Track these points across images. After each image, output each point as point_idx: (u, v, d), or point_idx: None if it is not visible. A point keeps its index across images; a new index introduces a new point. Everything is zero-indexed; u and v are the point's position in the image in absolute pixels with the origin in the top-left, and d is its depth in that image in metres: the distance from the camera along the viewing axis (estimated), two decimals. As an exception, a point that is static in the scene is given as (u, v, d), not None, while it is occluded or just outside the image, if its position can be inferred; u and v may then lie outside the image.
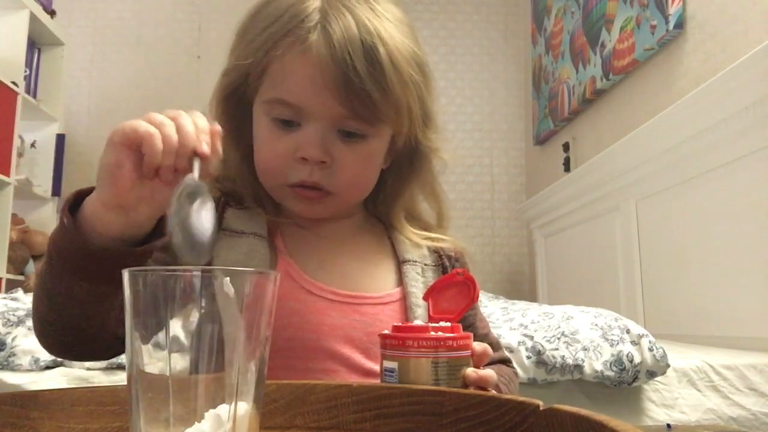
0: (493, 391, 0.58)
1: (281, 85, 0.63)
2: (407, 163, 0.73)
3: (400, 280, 0.72)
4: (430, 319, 0.59)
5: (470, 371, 0.55)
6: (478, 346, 0.58)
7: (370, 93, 0.61)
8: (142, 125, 0.46)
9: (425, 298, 0.61)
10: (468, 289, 0.61)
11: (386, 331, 0.57)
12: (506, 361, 0.77)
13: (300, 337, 0.65)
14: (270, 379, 0.63)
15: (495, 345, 0.77)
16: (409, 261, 0.73)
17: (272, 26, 0.62)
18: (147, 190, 0.49)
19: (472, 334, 0.58)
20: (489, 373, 0.56)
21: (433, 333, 0.55)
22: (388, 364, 0.55)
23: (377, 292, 0.70)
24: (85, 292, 0.51)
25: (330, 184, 0.65)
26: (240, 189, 0.71)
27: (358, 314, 0.67)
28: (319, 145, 0.63)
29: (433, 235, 0.76)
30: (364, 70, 0.60)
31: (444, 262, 0.76)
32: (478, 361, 0.58)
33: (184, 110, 0.50)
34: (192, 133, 0.47)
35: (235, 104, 0.68)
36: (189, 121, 0.48)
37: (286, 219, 0.71)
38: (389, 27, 0.63)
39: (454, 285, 0.61)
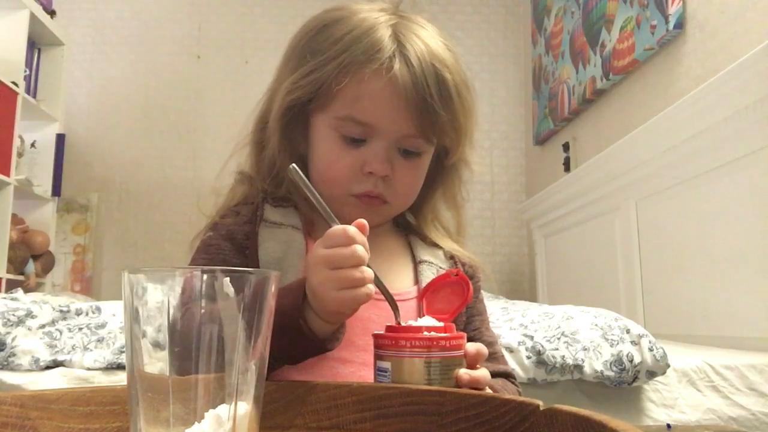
0: (489, 390, 0.59)
1: (356, 105, 0.68)
2: (438, 173, 0.78)
3: (417, 279, 0.75)
4: None
5: (462, 372, 0.55)
6: (472, 347, 0.58)
7: (439, 116, 0.67)
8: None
9: (419, 298, 0.61)
10: (462, 290, 0.61)
11: (380, 332, 0.57)
12: (509, 376, 0.77)
13: None
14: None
15: (500, 359, 0.78)
16: (426, 261, 0.77)
17: (349, 51, 0.67)
18: None
19: (465, 334, 0.58)
20: (482, 373, 0.57)
21: (426, 333, 0.55)
22: (381, 363, 0.55)
23: (396, 290, 0.71)
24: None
25: (389, 195, 0.71)
26: (277, 190, 0.76)
27: (377, 309, 0.69)
28: (386, 161, 0.69)
29: (453, 244, 0.81)
30: (437, 96, 0.67)
31: (459, 269, 0.78)
32: (472, 361, 0.58)
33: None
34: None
35: (291, 116, 0.72)
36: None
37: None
38: (447, 54, 0.70)
39: (448, 285, 0.61)
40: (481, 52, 3.59)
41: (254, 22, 3.58)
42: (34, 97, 2.97)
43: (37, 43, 3.05)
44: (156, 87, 3.52)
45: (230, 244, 0.71)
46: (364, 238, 0.56)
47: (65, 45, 3.17)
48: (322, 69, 0.68)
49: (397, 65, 0.66)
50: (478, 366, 0.58)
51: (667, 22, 1.88)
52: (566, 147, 2.78)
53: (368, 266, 0.56)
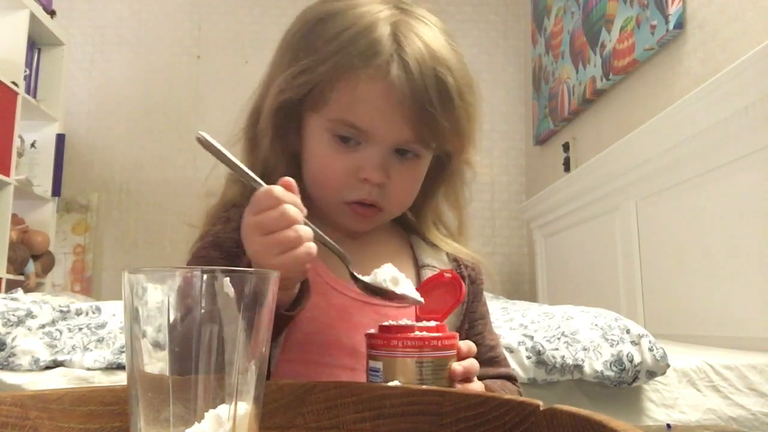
0: (480, 384, 0.59)
1: (352, 108, 0.63)
2: (439, 173, 0.75)
3: (419, 284, 0.73)
4: (417, 318, 0.59)
5: (455, 365, 0.55)
6: (463, 345, 0.58)
7: (440, 123, 0.63)
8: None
9: None
10: (455, 289, 0.61)
11: (372, 331, 0.57)
12: (511, 379, 0.76)
13: (320, 331, 0.66)
14: (287, 371, 0.64)
15: (502, 361, 0.77)
16: (428, 266, 0.74)
17: (343, 52, 0.62)
18: None
19: (457, 334, 0.58)
20: (470, 363, 0.57)
21: (418, 333, 0.55)
22: (373, 363, 0.55)
23: None
24: None
25: (383, 202, 0.68)
26: None
27: (377, 314, 0.67)
28: (381, 168, 0.65)
29: (456, 245, 0.78)
30: (437, 101, 0.62)
31: (462, 271, 0.77)
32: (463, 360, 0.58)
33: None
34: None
35: (283, 114, 0.68)
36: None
37: (318, 220, 0.73)
38: (450, 54, 0.65)
39: (441, 285, 0.61)
40: (481, 52, 3.59)
41: (254, 22, 3.58)
42: (34, 97, 2.97)
43: (37, 43, 3.05)
44: (156, 87, 3.52)
45: (219, 252, 0.67)
46: (293, 197, 0.53)
47: (65, 45, 3.17)
48: (315, 69, 0.63)
49: (395, 70, 0.61)
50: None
51: (667, 22, 1.88)
52: (566, 147, 2.78)
53: (307, 224, 0.53)
